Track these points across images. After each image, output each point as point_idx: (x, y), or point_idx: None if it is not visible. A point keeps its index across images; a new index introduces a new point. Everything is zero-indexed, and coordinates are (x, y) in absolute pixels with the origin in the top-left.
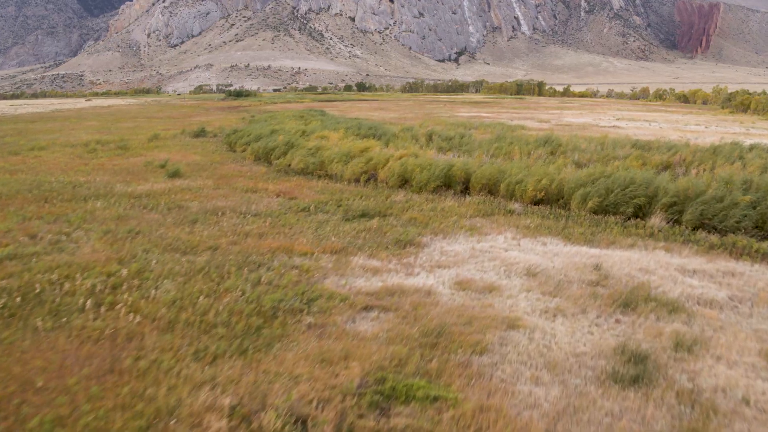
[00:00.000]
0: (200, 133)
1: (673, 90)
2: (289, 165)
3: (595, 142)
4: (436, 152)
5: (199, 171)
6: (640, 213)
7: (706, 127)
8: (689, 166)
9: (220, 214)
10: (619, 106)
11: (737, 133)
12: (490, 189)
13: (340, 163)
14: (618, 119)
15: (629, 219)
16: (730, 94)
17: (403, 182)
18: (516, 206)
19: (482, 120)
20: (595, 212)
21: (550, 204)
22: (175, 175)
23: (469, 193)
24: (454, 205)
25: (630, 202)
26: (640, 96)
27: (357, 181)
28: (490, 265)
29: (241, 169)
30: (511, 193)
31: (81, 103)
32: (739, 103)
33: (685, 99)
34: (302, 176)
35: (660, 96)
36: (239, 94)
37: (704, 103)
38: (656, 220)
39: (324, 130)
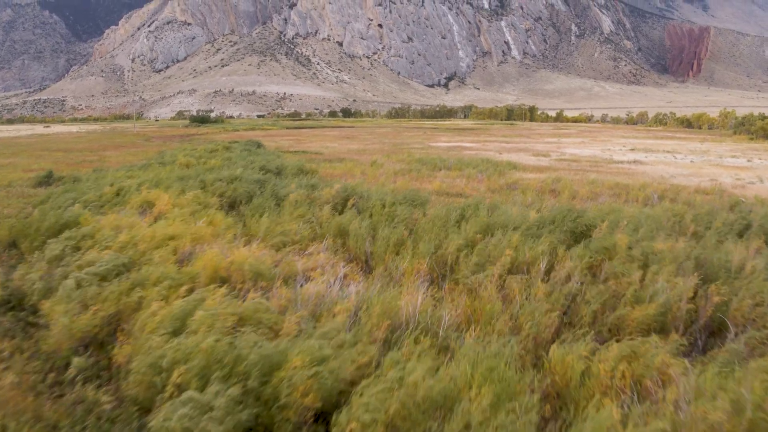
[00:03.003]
0: (45, 181)
1: (674, 114)
2: None
3: (655, 218)
4: (324, 248)
5: None
6: None
7: (748, 161)
8: None
9: None
10: (622, 132)
11: None
12: None
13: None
14: (631, 149)
15: None
16: (743, 118)
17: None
18: None
19: (462, 153)
20: None
21: None
22: None
23: None
24: None
25: None
26: (638, 121)
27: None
28: None
29: None
30: None
31: (37, 129)
32: (760, 129)
33: (688, 123)
34: None
35: (660, 120)
36: (203, 121)
37: (710, 127)
38: None
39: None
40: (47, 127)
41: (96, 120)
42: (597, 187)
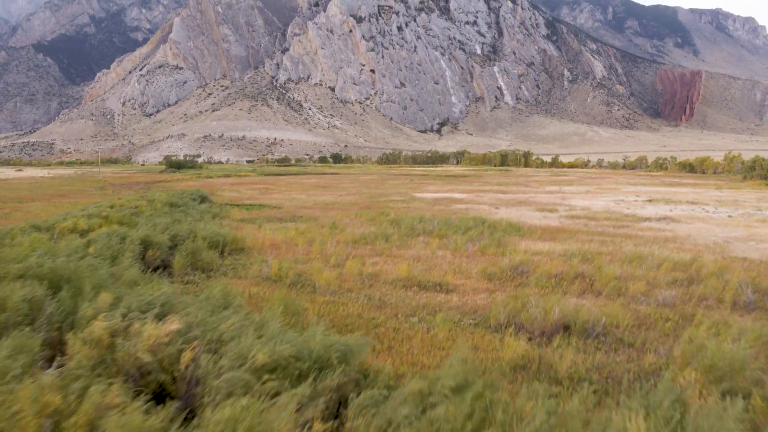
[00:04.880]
0: None
1: (675, 158)
2: None
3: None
4: None
5: None
6: None
7: None
8: None
9: None
10: (626, 178)
11: None
12: None
13: None
14: (648, 200)
15: None
16: (752, 161)
17: None
18: None
19: (450, 208)
20: None
21: None
22: None
23: None
24: None
25: None
26: (636, 165)
27: None
28: None
29: None
30: None
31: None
32: None
33: (690, 168)
34: None
35: (661, 165)
36: (180, 166)
37: (715, 171)
38: None
39: None
40: (19, 170)
41: (83, 163)
42: (644, 269)
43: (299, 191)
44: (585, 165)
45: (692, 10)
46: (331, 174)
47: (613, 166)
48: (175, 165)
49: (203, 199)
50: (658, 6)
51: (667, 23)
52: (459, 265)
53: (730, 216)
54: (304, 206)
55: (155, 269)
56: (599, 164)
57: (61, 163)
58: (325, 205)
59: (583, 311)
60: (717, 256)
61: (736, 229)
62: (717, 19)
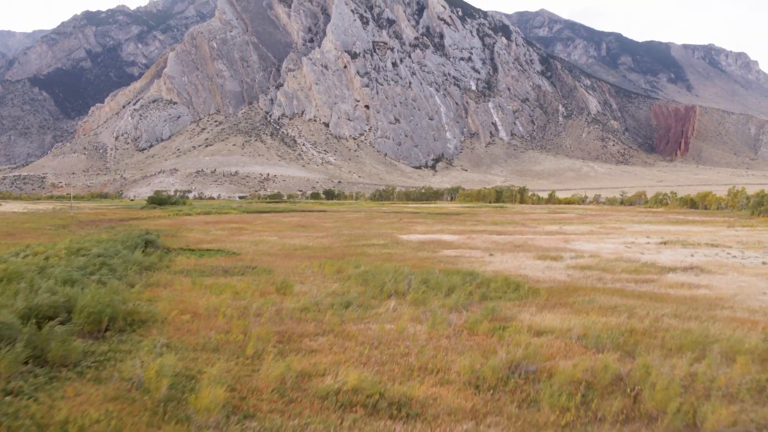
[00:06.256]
0: None
1: (675, 194)
2: None
3: None
4: None
5: None
6: None
7: None
8: None
9: None
10: (628, 215)
11: None
12: None
13: None
14: (662, 242)
15: None
16: (759, 196)
17: None
18: None
19: (437, 255)
20: None
21: None
22: None
23: None
24: None
25: None
26: (635, 201)
27: None
28: None
29: None
30: None
31: None
32: None
33: (692, 203)
34: None
35: (660, 201)
36: (162, 202)
37: (719, 207)
38: None
39: None
40: None
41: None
42: (708, 366)
43: (274, 231)
44: (582, 201)
45: (685, 46)
46: (318, 211)
47: (611, 202)
48: (157, 201)
49: (147, 244)
50: (651, 42)
51: (661, 59)
52: (434, 354)
53: (765, 263)
54: (267, 252)
55: None
56: (596, 200)
57: (51, 197)
58: (293, 250)
59: None
60: None
61: None
62: (710, 54)
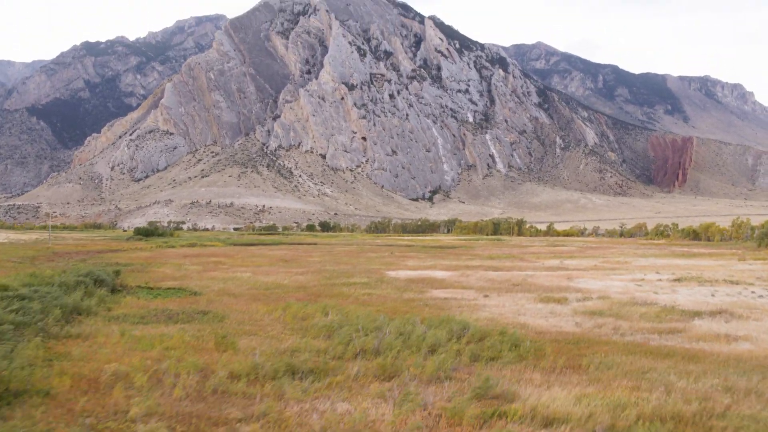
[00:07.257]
0: None
1: (676, 225)
2: None
3: None
4: None
5: None
6: None
7: None
8: None
9: None
10: (631, 248)
11: None
12: None
13: None
14: (675, 279)
15: None
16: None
17: None
18: None
19: (425, 296)
20: None
21: None
22: None
23: None
24: None
25: None
26: (635, 233)
27: None
28: None
29: None
30: None
31: None
32: None
33: (694, 235)
34: None
35: (662, 233)
36: (149, 234)
37: (722, 238)
38: None
39: None
40: None
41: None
42: None
43: (251, 267)
44: (581, 233)
45: (681, 78)
46: (309, 244)
47: (611, 234)
48: (143, 232)
49: (96, 282)
50: (647, 74)
51: (657, 90)
52: None
53: None
54: (232, 292)
55: None
56: (595, 232)
57: (44, 227)
58: (264, 289)
59: None
60: None
61: None
62: (706, 85)
